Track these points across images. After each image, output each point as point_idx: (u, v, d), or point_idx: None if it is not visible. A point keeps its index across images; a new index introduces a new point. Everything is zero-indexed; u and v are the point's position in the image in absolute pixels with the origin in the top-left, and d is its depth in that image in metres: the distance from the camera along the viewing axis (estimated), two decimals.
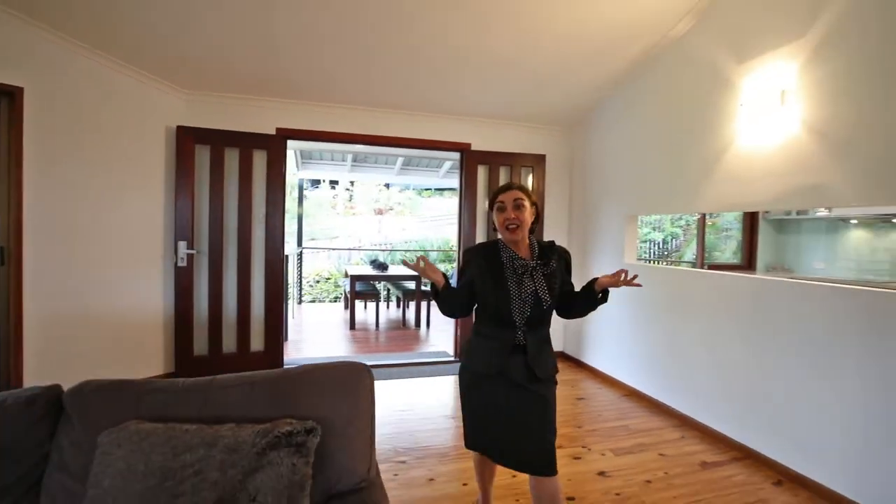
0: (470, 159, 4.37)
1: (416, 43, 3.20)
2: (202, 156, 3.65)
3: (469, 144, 4.38)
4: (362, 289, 6.31)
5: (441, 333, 5.80)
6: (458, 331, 4.48)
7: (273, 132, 3.85)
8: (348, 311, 6.23)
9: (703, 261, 6.10)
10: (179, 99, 3.67)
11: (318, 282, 10.11)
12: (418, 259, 1.63)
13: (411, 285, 6.41)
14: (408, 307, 6.71)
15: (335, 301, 9.20)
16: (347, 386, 1.27)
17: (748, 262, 6.15)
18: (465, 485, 2.29)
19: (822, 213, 5.46)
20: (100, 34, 3.00)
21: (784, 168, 2.52)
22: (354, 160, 7.71)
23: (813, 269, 5.82)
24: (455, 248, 4.87)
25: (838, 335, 2.23)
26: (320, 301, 9.35)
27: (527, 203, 1.68)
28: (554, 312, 1.72)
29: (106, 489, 0.95)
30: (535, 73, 3.62)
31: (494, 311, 1.63)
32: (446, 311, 1.70)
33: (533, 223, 1.73)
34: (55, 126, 3.01)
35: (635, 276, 1.64)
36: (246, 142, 3.74)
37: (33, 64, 2.89)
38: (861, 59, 2.17)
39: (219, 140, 3.67)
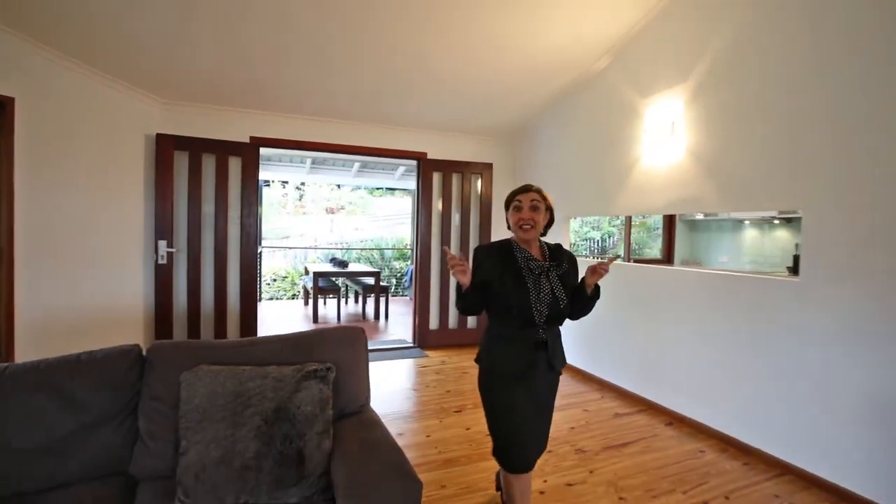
0: (426, 167, 4.90)
1: (381, 65, 3.68)
2: (181, 161, 3.96)
3: (425, 153, 4.91)
4: (324, 285, 6.69)
5: (398, 325, 6.30)
6: (417, 320, 5.00)
7: (247, 140, 4.21)
8: (309, 307, 6.59)
9: (630, 255, 6.98)
10: (158, 108, 3.95)
11: (274, 280, 10.29)
12: (460, 257, 1.59)
13: (370, 281, 6.86)
14: (367, 301, 7.15)
15: (293, 298, 9.45)
16: (349, 342, 1.77)
17: (667, 256, 7.09)
18: (428, 436, 2.83)
19: (725, 215, 6.46)
20: (85, 48, 3.25)
21: (673, 182, 3.24)
22: (313, 163, 8.02)
23: (719, 262, 6.82)
24: (409, 246, 5.36)
25: (723, 311, 2.97)
26: (278, 299, 9.56)
27: (542, 206, 1.73)
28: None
29: (196, 405, 1.41)
30: (484, 94, 4.21)
31: (516, 312, 1.64)
32: (465, 310, 1.70)
33: (546, 226, 1.79)
34: (44, 134, 3.26)
35: (614, 259, 1.87)
36: (221, 149, 4.08)
37: (23, 76, 3.13)
38: (722, 102, 2.91)
39: (196, 147, 3.99)
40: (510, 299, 1.64)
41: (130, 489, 1.42)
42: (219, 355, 1.59)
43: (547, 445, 1.80)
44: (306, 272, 8.02)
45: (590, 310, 1.78)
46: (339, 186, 15.09)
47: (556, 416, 3.34)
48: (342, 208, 15.67)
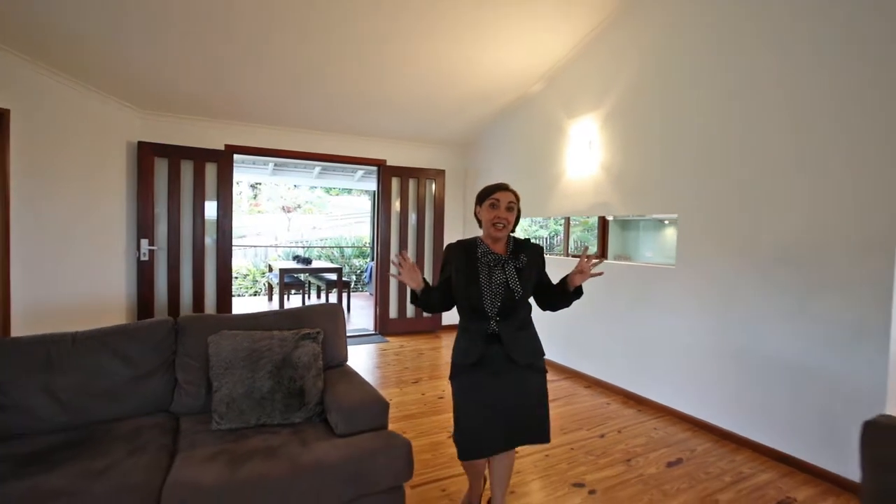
0: (385, 173, 5.46)
1: (346, 84, 4.21)
2: (161, 167, 4.33)
3: (385, 160, 5.47)
4: (289, 281, 7.10)
5: (360, 316, 6.82)
6: (378, 309, 5.55)
7: (222, 148, 4.62)
8: (273, 302, 6.98)
9: (568, 251, 7.80)
10: (139, 118, 4.31)
11: (235, 278, 10.49)
12: (403, 260, 1.69)
13: (333, 277, 7.33)
14: (329, 296, 7.61)
15: (255, 295, 9.73)
16: (330, 315, 2.34)
17: (602, 252, 7.98)
18: (390, 400, 3.41)
19: (651, 216, 7.40)
20: (73, 63, 3.57)
21: (590, 190, 3.98)
22: (276, 165, 8.37)
23: (645, 256, 7.77)
24: (368, 244, 5.88)
25: (622, 293, 3.72)
26: (240, 296, 9.80)
27: (516, 208, 1.77)
28: (536, 306, 1.83)
29: (223, 358, 1.93)
30: (438, 110, 4.82)
31: (469, 304, 1.70)
32: (426, 307, 1.77)
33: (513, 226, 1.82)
34: (37, 142, 3.58)
35: (598, 262, 1.75)
36: (199, 156, 4.48)
37: (18, 89, 3.45)
38: (626, 127, 3.66)
39: (175, 154, 4.37)
40: (463, 291, 1.70)
41: (174, 420, 1.93)
42: (233, 324, 2.12)
43: (545, 433, 1.75)
44: (270, 269, 8.37)
45: (569, 304, 1.79)
46: (295, 186, 15.27)
47: None
48: (298, 207, 15.84)
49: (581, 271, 1.71)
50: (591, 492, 2.29)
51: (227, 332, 2.03)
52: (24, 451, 1.59)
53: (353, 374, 2.19)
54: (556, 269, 4.30)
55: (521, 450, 2.70)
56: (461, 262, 1.74)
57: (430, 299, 1.75)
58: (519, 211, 1.82)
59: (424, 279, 1.75)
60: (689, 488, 2.34)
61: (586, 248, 1.68)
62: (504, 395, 1.68)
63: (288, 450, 1.66)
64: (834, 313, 2.42)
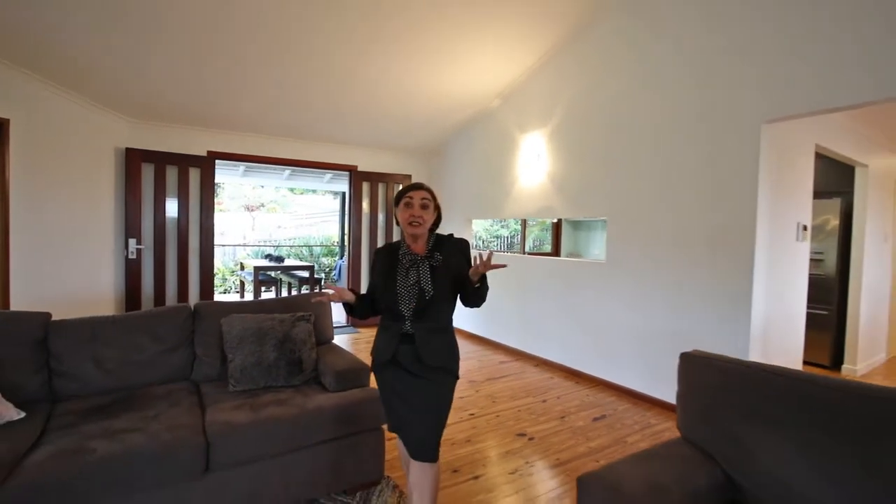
0: (357, 177, 5.94)
1: (322, 96, 4.66)
2: (147, 171, 4.66)
3: (356, 166, 5.94)
4: (263, 278, 7.44)
5: (333, 310, 7.24)
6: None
7: (205, 154, 4.98)
8: (247, 298, 7.30)
9: (525, 249, 8.50)
10: (126, 125, 4.62)
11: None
12: (327, 297, 1.84)
13: (305, 274, 7.71)
14: (301, 291, 7.99)
15: (225, 293, 9.94)
16: (319, 302, 2.83)
17: (555, 250, 8.72)
18: None
19: (601, 217, 8.17)
20: (67, 75, 3.86)
21: (538, 195, 4.61)
22: (247, 167, 8.64)
23: (594, 254, 8.53)
24: (337, 243, 6.32)
25: (563, 284, 4.36)
26: None
27: (431, 205, 1.77)
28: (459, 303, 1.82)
29: (235, 335, 2.40)
30: (405, 121, 5.34)
31: (386, 305, 1.74)
32: (362, 317, 1.84)
33: (434, 224, 1.82)
34: (34, 148, 3.88)
35: (489, 256, 1.64)
36: (183, 161, 4.82)
37: (17, 100, 3.75)
38: (568, 141, 4.30)
39: (161, 159, 4.70)
40: (383, 294, 1.75)
41: (195, 386, 2.38)
42: (239, 309, 2.59)
43: (430, 452, 1.68)
44: (242, 267, 8.65)
45: (480, 299, 1.78)
46: (262, 186, 15.34)
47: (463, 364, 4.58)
48: (262, 206, 15.91)
49: (475, 270, 1.65)
50: (531, 439, 2.89)
51: (237, 315, 2.50)
52: (84, 407, 2.02)
53: (339, 348, 2.70)
54: (515, 264, 4.90)
55: (477, 410, 3.28)
56: (385, 264, 1.79)
57: (364, 306, 1.82)
58: (438, 208, 1.83)
59: (355, 291, 1.86)
60: (606, 435, 2.98)
61: (490, 254, 1.63)
62: (409, 398, 1.70)
63: (294, 401, 2.16)
64: (705, 289, 3.12)
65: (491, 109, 5.24)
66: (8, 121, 3.71)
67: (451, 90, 4.77)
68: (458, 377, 1.81)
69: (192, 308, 2.54)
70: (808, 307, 4.35)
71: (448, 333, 1.80)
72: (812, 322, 4.50)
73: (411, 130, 5.65)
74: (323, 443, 2.12)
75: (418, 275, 1.72)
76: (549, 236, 10.64)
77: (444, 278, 1.74)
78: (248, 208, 15.40)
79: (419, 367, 1.69)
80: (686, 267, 3.31)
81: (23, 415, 1.89)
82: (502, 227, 13.08)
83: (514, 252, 10.31)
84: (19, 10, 3.05)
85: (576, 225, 8.84)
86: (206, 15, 3.29)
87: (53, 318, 2.24)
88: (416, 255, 1.76)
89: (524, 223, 8.39)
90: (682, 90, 3.34)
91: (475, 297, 1.76)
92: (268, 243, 12.52)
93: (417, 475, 1.69)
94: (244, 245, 12.19)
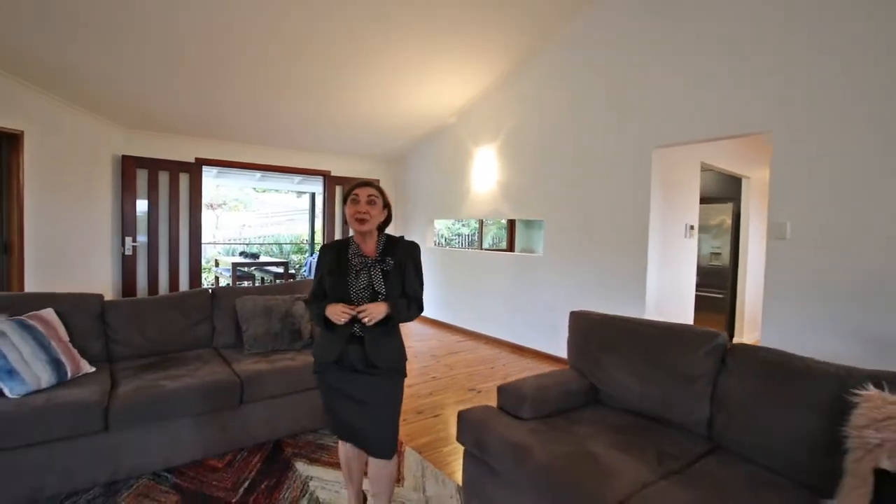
0: (330, 182, 6.61)
1: (298, 110, 5.33)
2: (141, 176, 5.18)
3: (329, 171, 6.61)
4: (241, 274, 7.97)
5: None
6: None
7: (193, 160, 5.53)
8: None
9: (482, 245, 9.38)
10: (122, 134, 5.12)
11: None
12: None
13: (279, 270, 8.28)
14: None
15: None
16: (307, 288, 3.54)
17: (510, 246, 9.64)
18: None
19: (538, 218, 9.15)
20: (70, 90, 4.35)
21: (489, 199, 5.45)
22: (220, 170, 9.08)
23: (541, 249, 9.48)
24: (306, 241, 6.95)
25: (510, 275, 5.21)
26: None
27: (379, 202, 1.76)
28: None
29: (248, 311, 3.09)
30: (375, 131, 6.06)
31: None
32: (318, 320, 1.76)
33: (384, 223, 1.82)
34: (44, 156, 4.37)
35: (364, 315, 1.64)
36: (173, 167, 5.37)
37: (30, 114, 4.24)
38: (513, 154, 5.15)
39: (153, 165, 5.24)
40: (332, 292, 1.73)
41: (216, 351, 3.05)
42: (248, 292, 3.27)
43: (389, 450, 1.74)
44: (217, 264, 9.11)
45: (402, 321, 1.79)
46: (218, 186, 15.49)
47: (422, 346, 5.38)
48: (224, 204, 16.08)
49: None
50: (479, 392, 3.71)
51: (248, 296, 3.18)
52: (137, 365, 2.67)
53: None
54: (472, 259, 5.70)
55: (437, 375, 4.07)
56: (333, 262, 1.77)
57: (319, 307, 1.75)
58: (388, 206, 1.84)
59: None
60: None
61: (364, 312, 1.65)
62: (358, 398, 1.72)
63: (298, 357, 2.88)
64: (613, 273, 4.04)
65: (449, 124, 6.04)
66: (22, 132, 4.19)
67: (415, 106, 5.53)
68: (405, 376, 1.85)
69: (211, 292, 3.20)
70: (709, 291, 5.38)
71: (396, 336, 1.81)
72: (711, 304, 5.58)
73: (380, 140, 6.37)
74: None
75: (370, 278, 1.73)
76: (504, 233, 11.60)
77: (396, 282, 1.75)
78: (211, 206, 15.52)
79: (368, 368, 1.72)
80: (600, 256, 4.22)
81: (93, 369, 2.53)
82: (463, 226, 13.96)
83: (473, 248, 11.17)
84: (33, 33, 3.51)
85: (528, 224, 9.78)
86: (197, 40, 3.82)
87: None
88: (366, 258, 1.76)
89: (481, 223, 9.26)
90: (597, 117, 4.24)
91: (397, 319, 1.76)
92: (238, 241, 12.86)
93: (377, 470, 1.78)
94: (213, 243, 12.50)
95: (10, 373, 2.09)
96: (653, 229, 3.90)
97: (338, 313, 1.66)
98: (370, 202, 1.75)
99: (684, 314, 4.57)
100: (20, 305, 2.47)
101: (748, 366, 1.87)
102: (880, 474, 1.28)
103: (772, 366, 1.80)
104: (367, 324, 1.66)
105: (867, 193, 2.70)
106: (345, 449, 1.91)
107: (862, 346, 2.68)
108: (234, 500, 2.15)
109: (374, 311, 1.66)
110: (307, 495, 2.21)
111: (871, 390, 1.47)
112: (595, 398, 2.31)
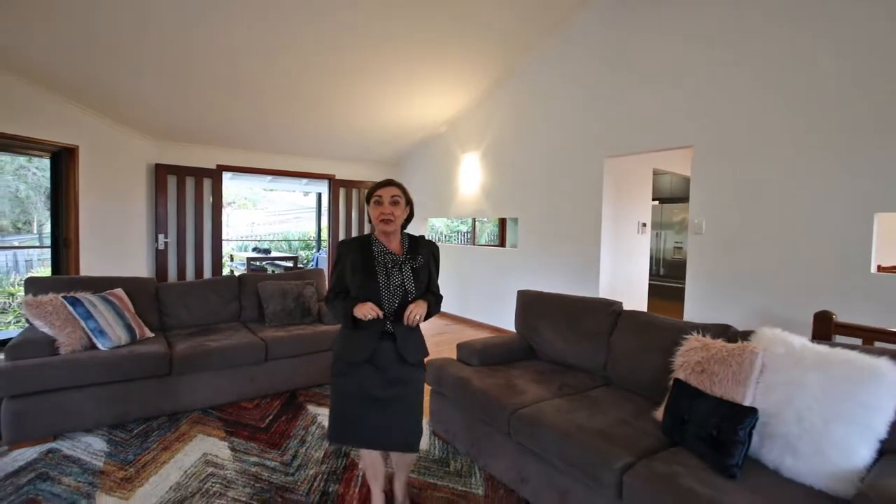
0: (335, 184, 7.38)
1: (306, 120, 6.09)
2: (171, 182, 5.98)
3: (334, 175, 7.38)
4: (254, 268, 8.78)
5: None
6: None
7: (215, 167, 6.32)
8: None
9: (476, 241, 10.13)
10: (155, 146, 5.92)
11: None
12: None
13: (290, 264, 9.08)
14: None
15: None
16: (318, 275, 4.32)
17: (501, 242, 10.38)
18: None
19: (514, 216, 9.88)
20: (113, 110, 5.16)
21: (473, 200, 6.20)
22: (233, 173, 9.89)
23: None
24: (314, 238, 7.71)
25: (492, 264, 5.97)
26: None
27: (402, 201, 1.79)
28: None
29: (269, 292, 3.86)
30: (375, 139, 6.82)
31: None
32: (339, 316, 1.80)
33: (406, 220, 1.85)
34: (94, 166, 5.16)
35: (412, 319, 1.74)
36: (198, 173, 6.16)
37: (83, 131, 5.03)
38: (494, 161, 5.90)
39: (181, 172, 6.03)
40: (360, 290, 1.72)
41: (243, 324, 3.83)
42: (268, 278, 4.04)
43: (411, 443, 1.79)
44: (232, 259, 9.93)
45: (432, 316, 1.84)
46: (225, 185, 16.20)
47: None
48: (232, 203, 16.90)
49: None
50: None
51: (269, 281, 3.96)
52: (185, 333, 3.45)
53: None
54: (462, 254, 6.47)
55: (429, 331, 4.84)
56: (357, 260, 1.78)
57: (339, 306, 1.78)
58: (411, 203, 1.87)
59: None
60: None
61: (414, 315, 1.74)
62: (388, 393, 1.74)
63: (308, 329, 3.65)
64: (571, 264, 4.78)
65: (440, 133, 6.78)
66: (77, 147, 5.00)
67: (410, 116, 6.27)
68: (426, 372, 1.97)
69: (238, 277, 3.99)
70: (671, 281, 6.07)
71: (419, 331, 1.87)
72: (673, 292, 6.29)
73: (378, 146, 7.13)
74: (325, 351, 3.62)
75: (402, 276, 1.76)
76: (497, 230, 12.34)
77: (423, 281, 1.82)
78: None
79: (399, 364, 1.76)
80: (563, 249, 4.96)
81: (153, 335, 3.31)
82: (461, 223, 14.74)
83: (467, 244, 11.93)
84: (92, 67, 4.31)
85: (515, 222, 10.52)
86: (221, 64, 4.62)
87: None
88: (396, 256, 1.79)
89: (474, 222, 10.00)
90: (561, 128, 4.97)
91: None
92: (251, 238, 13.70)
93: (401, 457, 1.95)
94: (227, 240, 13.34)
95: (101, 332, 2.88)
96: (605, 227, 4.63)
97: (367, 311, 1.67)
98: (393, 202, 1.79)
99: (639, 300, 5.30)
100: (99, 285, 3.27)
101: (631, 325, 2.62)
102: (676, 382, 2.03)
103: (645, 325, 2.55)
104: (413, 324, 1.73)
105: (767, 199, 3.40)
106: (370, 458, 1.94)
107: (761, 321, 3.38)
108: (262, 426, 2.93)
109: (418, 311, 1.73)
110: (315, 424, 2.99)
111: (693, 335, 2.22)
112: (533, 355, 3.06)
